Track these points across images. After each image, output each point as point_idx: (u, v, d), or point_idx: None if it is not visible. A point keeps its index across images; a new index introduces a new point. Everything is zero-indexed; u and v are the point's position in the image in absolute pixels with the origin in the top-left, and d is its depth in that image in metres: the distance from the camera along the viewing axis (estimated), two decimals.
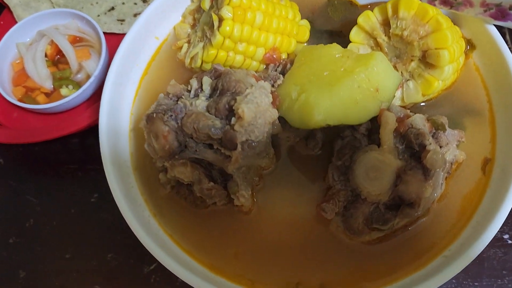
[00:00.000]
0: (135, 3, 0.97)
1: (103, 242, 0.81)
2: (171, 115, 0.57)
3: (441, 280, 0.54)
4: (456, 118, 0.66)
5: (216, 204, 0.60)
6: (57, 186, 0.86)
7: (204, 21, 0.69)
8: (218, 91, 0.58)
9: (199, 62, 0.67)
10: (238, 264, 0.60)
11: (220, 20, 0.64)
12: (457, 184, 0.63)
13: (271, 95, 0.58)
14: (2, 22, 1.01)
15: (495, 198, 0.59)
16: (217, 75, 0.61)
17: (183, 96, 0.61)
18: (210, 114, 0.57)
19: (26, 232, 0.83)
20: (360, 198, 0.58)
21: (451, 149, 0.59)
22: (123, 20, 0.96)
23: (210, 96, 0.60)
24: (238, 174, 0.59)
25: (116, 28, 0.96)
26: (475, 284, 0.75)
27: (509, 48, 0.90)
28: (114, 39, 0.95)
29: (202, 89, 0.61)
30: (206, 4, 0.68)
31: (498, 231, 0.78)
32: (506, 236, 0.79)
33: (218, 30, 0.64)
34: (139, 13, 0.97)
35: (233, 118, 0.54)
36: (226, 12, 0.63)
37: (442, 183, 0.59)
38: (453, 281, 0.75)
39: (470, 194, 0.62)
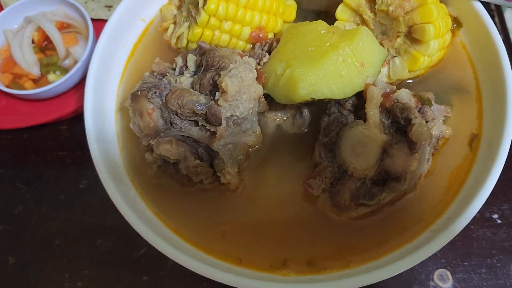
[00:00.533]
0: None
1: (93, 228, 0.80)
2: (156, 92, 0.56)
3: (427, 253, 0.53)
4: (443, 96, 0.66)
5: (202, 183, 0.59)
6: (46, 173, 0.86)
7: (190, 1, 0.68)
8: (202, 68, 0.58)
9: (184, 42, 0.67)
10: (225, 242, 0.59)
11: None
12: (444, 160, 0.63)
13: (255, 71, 0.57)
14: None
15: (482, 173, 0.59)
16: (202, 53, 0.61)
17: (168, 74, 0.60)
18: (195, 90, 0.56)
19: (15, 219, 0.82)
20: (347, 174, 0.57)
21: (437, 124, 0.59)
22: (110, 6, 0.95)
23: (195, 73, 0.59)
24: (224, 152, 0.58)
25: (103, 14, 0.95)
26: (465, 263, 0.75)
27: (499, 31, 0.91)
28: (101, 25, 0.93)
29: (187, 67, 0.60)
30: None
31: (487, 211, 0.79)
32: (495, 216, 0.79)
33: (203, 8, 0.63)
34: None
35: (217, 93, 0.54)
36: None
37: (428, 159, 0.59)
38: (443, 260, 0.74)
39: (457, 169, 0.62)
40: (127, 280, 0.77)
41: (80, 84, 0.89)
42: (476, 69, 0.67)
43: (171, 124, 0.58)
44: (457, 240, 0.77)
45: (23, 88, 0.87)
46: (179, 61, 0.61)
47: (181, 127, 0.57)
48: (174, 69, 0.61)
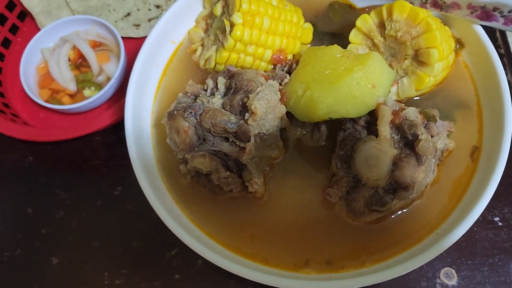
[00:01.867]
0: (149, 9, 1.04)
1: (128, 231, 0.86)
2: (191, 112, 0.63)
3: (433, 254, 0.59)
4: (447, 111, 0.71)
5: (232, 191, 0.66)
6: (83, 181, 0.92)
7: (217, 26, 0.75)
8: (232, 90, 0.65)
9: (213, 64, 0.74)
10: (253, 244, 0.65)
11: (232, 25, 0.70)
12: (448, 170, 0.68)
13: (279, 92, 0.65)
14: (25, 29, 1.08)
15: (482, 182, 0.64)
16: (230, 75, 0.68)
17: (200, 95, 0.67)
18: (226, 110, 0.63)
19: (57, 223, 0.88)
20: (361, 184, 0.64)
21: (441, 138, 0.65)
22: (138, 25, 1.02)
23: (225, 94, 0.66)
24: (251, 164, 0.65)
25: (132, 33, 1.02)
26: (469, 262, 0.80)
27: (500, 45, 0.97)
28: (130, 43, 1.02)
29: (217, 88, 0.67)
30: (218, 11, 0.74)
31: (489, 214, 0.85)
32: (496, 219, 0.84)
33: (230, 34, 0.70)
34: (153, 18, 1.03)
35: (246, 114, 0.61)
36: (237, 18, 0.69)
37: (434, 169, 0.65)
38: (448, 260, 0.80)
39: (459, 179, 0.67)
40: (160, 278, 0.82)
41: (112, 99, 0.96)
42: (477, 87, 0.72)
43: (204, 140, 0.65)
44: (461, 241, 0.82)
45: (61, 103, 0.94)
46: (210, 83, 0.68)
47: (213, 143, 0.64)
48: (206, 90, 0.68)
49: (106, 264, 0.84)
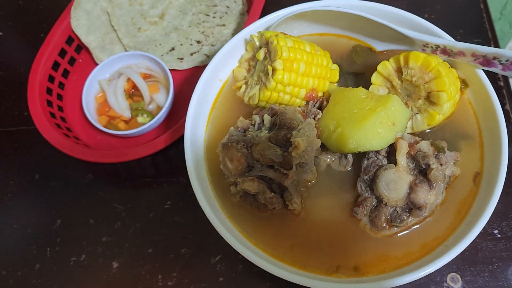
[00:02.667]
0: (191, 44, 1.17)
1: (177, 239, 0.96)
2: (244, 145, 0.77)
3: (442, 262, 0.70)
4: (454, 141, 0.83)
5: (275, 209, 0.78)
6: (136, 196, 1.02)
7: (259, 69, 0.88)
8: (276, 126, 0.78)
9: (256, 100, 0.86)
10: (293, 253, 0.77)
11: (273, 69, 0.83)
12: (454, 192, 0.79)
13: (315, 128, 0.78)
14: (81, 60, 1.21)
15: (483, 203, 0.75)
16: (273, 113, 0.81)
17: (249, 129, 0.81)
18: (272, 143, 0.77)
19: (116, 233, 0.98)
20: (382, 204, 0.76)
21: (449, 166, 0.78)
22: (182, 59, 1.16)
23: (270, 129, 0.80)
24: (291, 187, 0.78)
25: (176, 65, 1.14)
26: (471, 269, 0.90)
27: (500, 78, 1.10)
28: (175, 74, 1.14)
29: (263, 124, 0.80)
30: (261, 56, 0.87)
31: (489, 228, 0.97)
32: (495, 232, 0.94)
33: (272, 77, 0.83)
34: (195, 52, 1.16)
35: (290, 148, 0.74)
36: (279, 64, 0.81)
37: (443, 192, 0.78)
38: (454, 266, 0.90)
39: (464, 199, 0.78)
40: (206, 280, 0.93)
41: (161, 125, 1.09)
42: (479, 121, 0.84)
43: (253, 166, 0.78)
44: (465, 251, 0.89)
45: (117, 128, 1.06)
46: (257, 119, 0.81)
47: (260, 169, 0.77)
48: (253, 125, 0.82)
49: (159, 268, 0.94)
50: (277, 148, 0.75)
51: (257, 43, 0.89)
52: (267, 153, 0.74)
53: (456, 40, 1.00)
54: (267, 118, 0.79)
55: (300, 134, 0.73)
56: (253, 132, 0.78)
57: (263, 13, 1.12)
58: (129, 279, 0.95)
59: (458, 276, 0.91)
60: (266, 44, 0.87)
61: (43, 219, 1.03)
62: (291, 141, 0.74)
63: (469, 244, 0.87)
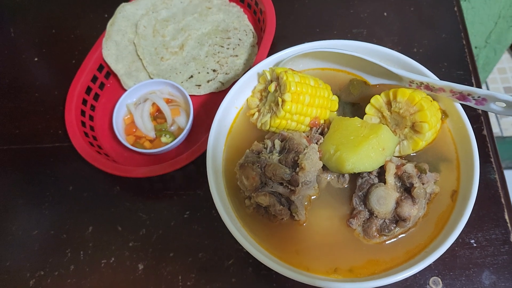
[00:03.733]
0: (207, 72, 1.31)
1: (195, 245, 1.08)
2: (257, 165, 0.92)
3: (422, 266, 0.78)
4: (435, 163, 0.94)
5: (283, 219, 0.90)
6: (159, 206, 1.14)
7: (271, 99, 1.03)
8: (286, 150, 0.93)
9: (267, 127, 1.00)
10: (298, 256, 0.87)
11: (283, 101, 0.98)
12: (434, 207, 0.88)
13: (318, 152, 0.93)
14: (108, 85, 1.36)
15: (458, 216, 0.85)
16: (283, 138, 0.96)
17: (262, 152, 0.96)
18: (282, 164, 0.92)
19: (141, 239, 1.09)
20: (373, 216, 0.88)
21: (430, 185, 0.91)
22: (199, 85, 1.29)
23: (280, 152, 0.94)
24: (297, 201, 0.92)
25: (195, 91, 1.27)
26: (450, 273, 1.01)
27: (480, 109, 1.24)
28: (193, 99, 1.27)
29: (274, 147, 0.95)
30: (272, 89, 1.02)
31: (466, 237, 1.09)
32: (472, 241, 1.05)
33: (282, 107, 0.97)
34: (211, 80, 1.29)
35: (297, 168, 0.89)
36: (288, 96, 0.94)
37: (424, 207, 0.91)
38: (435, 271, 1.01)
39: (442, 213, 0.87)
40: (221, 281, 1.04)
41: (181, 146, 1.23)
42: (456, 147, 0.96)
43: (265, 184, 0.92)
44: (445, 257, 1.05)
45: (143, 147, 1.19)
46: (269, 143, 0.96)
47: (272, 186, 0.91)
48: (266, 148, 0.96)
49: (179, 270, 1.05)
50: (286, 169, 0.89)
51: (269, 77, 1.04)
52: (278, 172, 0.88)
53: (441, 72, 1.16)
54: (277, 143, 0.94)
55: (306, 157, 0.88)
56: (265, 154, 0.93)
57: (272, 46, 1.28)
58: (153, 280, 1.06)
59: (439, 279, 1.02)
60: (277, 78, 1.02)
61: (76, 226, 1.17)
62: (298, 163, 0.88)
63: (449, 252, 1.04)
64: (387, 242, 0.91)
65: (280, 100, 0.97)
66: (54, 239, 1.14)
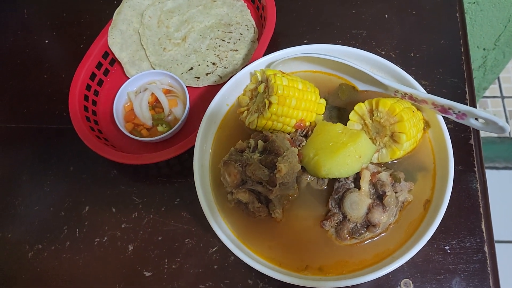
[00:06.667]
0: (207, 65, 1.34)
1: (183, 231, 1.12)
2: (239, 164, 0.97)
3: (387, 270, 0.83)
4: (412, 172, 0.98)
5: (261, 216, 0.95)
6: (152, 192, 1.18)
7: (259, 100, 1.07)
8: (267, 151, 0.98)
9: (254, 126, 1.06)
10: (272, 252, 0.92)
11: (270, 103, 1.03)
12: (406, 214, 0.92)
13: (297, 156, 0.97)
14: (113, 71, 1.40)
15: (427, 225, 0.89)
16: (266, 139, 1.00)
17: (245, 151, 1.01)
18: (262, 165, 0.96)
19: (133, 221, 1.14)
20: (346, 219, 0.93)
21: (403, 193, 0.96)
22: (198, 78, 1.33)
23: (262, 153, 0.99)
24: (275, 199, 0.97)
25: (193, 83, 1.30)
26: (422, 277, 1.04)
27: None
28: (191, 91, 1.31)
29: (257, 147, 1.00)
30: (261, 89, 1.06)
31: (441, 243, 1.13)
32: (446, 247, 1.08)
33: (268, 109, 1.02)
34: (210, 73, 1.33)
35: (276, 170, 0.94)
36: (274, 99, 0.99)
37: (396, 214, 0.95)
38: (408, 273, 1.05)
39: (413, 221, 0.91)
40: (203, 267, 1.10)
41: (176, 135, 1.28)
42: (435, 157, 0.99)
43: (246, 181, 0.97)
44: (419, 261, 1.08)
45: (140, 134, 1.24)
46: (252, 142, 1.00)
47: (252, 184, 0.96)
48: (249, 147, 1.01)
49: (166, 253, 1.10)
50: (266, 170, 0.94)
51: (259, 78, 1.08)
52: (257, 173, 0.93)
53: (435, 78, 1.18)
54: (260, 143, 0.98)
55: (284, 160, 0.93)
56: (248, 154, 0.98)
57: (272, 43, 1.31)
58: (141, 261, 1.11)
59: (410, 281, 1.07)
60: (267, 80, 1.06)
61: (74, 205, 1.24)
62: (276, 165, 0.93)
63: (423, 256, 1.08)
64: (357, 245, 0.96)
65: (267, 102, 1.02)
66: (53, 216, 1.20)
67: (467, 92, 1.27)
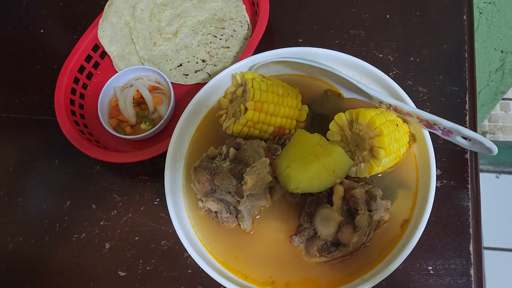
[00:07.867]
0: (197, 62, 1.31)
1: (160, 232, 1.12)
2: (208, 172, 0.93)
3: None
4: (393, 189, 0.93)
5: (230, 226, 0.94)
6: (133, 190, 1.17)
7: (237, 104, 1.03)
8: (237, 160, 0.94)
9: (231, 131, 1.02)
10: (237, 262, 0.90)
11: (246, 108, 0.99)
12: (381, 234, 0.88)
13: (269, 167, 0.93)
14: (103, 65, 1.37)
15: (402, 247, 0.85)
16: (238, 147, 0.97)
17: (217, 158, 0.97)
18: (231, 175, 0.93)
19: (111, 219, 1.15)
20: (317, 235, 0.90)
21: (379, 212, 0.91)
22: (187, 75, 1.30)
23: (232, 161, 0.95)
24: (244, 210, 0.94)
25: (182, 80, 1.27)
26: None
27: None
28: (179, 88, 1.28)
29: (228, 156, 0.96)
30: (240, 93, 1.02)
31: (425, 263, 1.08)
32: (430, 268, 1.03)
33: (244, 115, 0.98)
34: (199, 70, 1.30)
35: (243, 181, 0.90)
36: (250, 105, 0.95)
37: (369, 234, 0.90)
38: None
39: (388, 242, 0.86)
40: (178, 271, 1.09)
41: (159, 133, 1.25)
42: (418, 174, 0.93)
43: (215, 190, 0.94)
44: (399, 279, 1.04)
45: (124, 131, 1.22)
46: (224, 149, 0.97)
47: (220, 193, 0.94)
48: (221, 154, 0.97)
49: (141, 254, 1.11)
50: (234, 180, 0.90)
51: (239, 81, 1.04)
52: (224, 182, 0.90)
53: (434, 85, 1.12)
54: (232, 151, 0.95)
55: (252, 171, 0.89)
56: (218, 162, 0.94)
57: (267, 41, 1.26)
58: (116, 260, 1.12)
59: None
60: (245, 83, 1.01)
61: (56, 198, 1.24)
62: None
63: (404, 275, 1.05)
64: (326, 263, 0.92)
65: (242, 107, 0.98)
66: (35, 209, 1.21)
67: (467, 102, 1.19)
